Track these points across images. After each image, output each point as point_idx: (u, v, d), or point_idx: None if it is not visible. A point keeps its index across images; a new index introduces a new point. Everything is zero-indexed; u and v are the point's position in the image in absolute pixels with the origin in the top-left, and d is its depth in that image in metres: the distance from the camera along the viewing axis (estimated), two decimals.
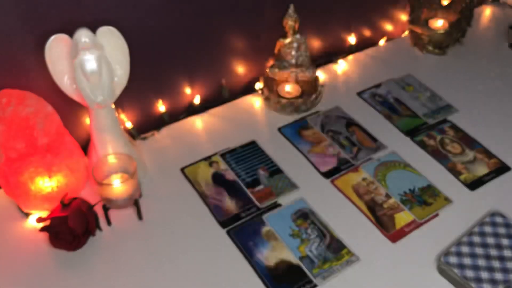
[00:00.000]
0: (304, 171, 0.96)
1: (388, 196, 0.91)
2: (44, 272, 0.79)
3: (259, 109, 1.10)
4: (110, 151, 0.87)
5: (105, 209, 0.84)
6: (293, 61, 1.12)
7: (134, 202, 0.85)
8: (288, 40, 1.09)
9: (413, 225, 0.86)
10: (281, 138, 1.03)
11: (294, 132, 1.04)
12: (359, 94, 1.14)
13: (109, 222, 0.86)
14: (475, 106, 1.10)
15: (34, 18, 0.81)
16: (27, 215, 0.87)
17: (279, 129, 1.05)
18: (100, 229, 0.85)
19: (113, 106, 0.85)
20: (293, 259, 0.81)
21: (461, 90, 1.15)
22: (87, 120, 0.97)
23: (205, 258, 0.81)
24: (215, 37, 1.03)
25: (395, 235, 0.85)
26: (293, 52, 1.11)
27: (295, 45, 1.10)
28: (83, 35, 0.77)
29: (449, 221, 0.87)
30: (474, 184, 0.93)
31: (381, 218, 0.87)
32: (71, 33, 0.78)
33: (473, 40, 1.31)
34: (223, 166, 0.97)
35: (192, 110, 1.09)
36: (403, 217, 0.87)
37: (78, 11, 0.84)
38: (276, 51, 1.12)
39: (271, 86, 1.12)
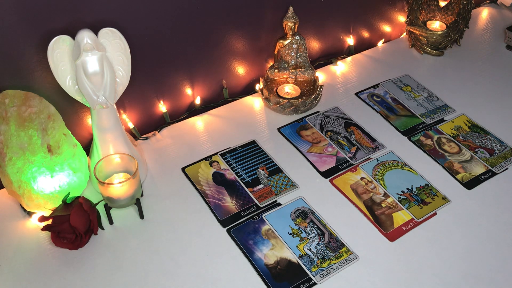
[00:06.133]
0: (303, 170, 0.97)
1: (386, 195, 0.92)
2: (46, 271, 0.80)
3: (259, 109, 1.11)
4: (112, 151, 0.88)
5: (107, 208, 0.85)
6: (293, 62, 1.13)
7: (136, 201, 0.86)
8: (287, 41, 1.10)
9: (411, 224, 0.87)
10: (281, 138, 1.04)
11: (294, 132, 1.05)
12: (357, 94, 1.15)
13: (111, 221, 0.87)
14: (472, 107, 1.11)
15: (36, 19, 0.82)
16: (29, 214, 0.88)
17: (279, 129, 1.06)
18: (102, 228, 0.86)
19: (115, 106, 0.86)
20: (293, 257, 0.82)
21: (458, 90, 1.16)
22: (89, 120, 0.98)
23: (206, 257, 0.82)
24: (216, 39, 1.04)
25: (393, 234, 0.86)
26: (293, 53, 1.12)
27: (294, 46, 1.11)
28: (85, 36, 0.77)
29: (447, 220, 0.88)
30: (471, 183, 0.94)
31: (379, 217, 0.88)
32: (73, 34, 0.79)
33: (471, 41, 1.32)
34: (223, 165, 0.97)
35: (192, 111, 1.10)
36: (401, 216, 0.88)
37: (80, 13, 0.85)
38: (275, 52, 1.13)
39: (271, 86, 1.13)
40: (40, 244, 0.84)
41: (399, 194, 0.92)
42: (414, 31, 1.26)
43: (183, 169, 0.97)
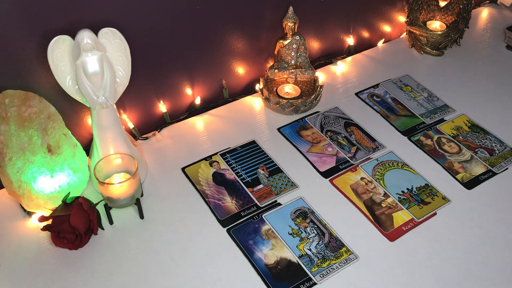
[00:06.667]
0: (303, 170, 0.97)
1: (386, 195, 0.92)
2: (46, 271, 0.80)
3: (259, 109, 1.11)
4: (112, 151, 0.88)
5: (107, 208, 0.85)
6: (293, 62, 1.13)
7: (136, 201, 0.86)
8: (287, 41, 1.10)
9: (411, 224, 0.87)
10: (281, 138, 1.04)
11: (294, 132, 1.05)
12: (357, 94, 1.15)
13: (111, 221, 0.87)
14: (472, 107, 1.11)
15: (36, 19, 0.82)
16: (29, 214, 0.88)
17: (279, 129, 1.06)
18: (102, 228, 0.86)
19: (115, 106, 0.86)
20: (293, 257, 0.82)
21: (458, 90, 1.16)
22: (89, 120, 0.98)
23: (206, 257, 0.82)
24: (216, 39, 1.04)
25: (393, 234, 0.86)
26: (293, 53, 1.12)
27: (294, 46, 1.11)
28: (85, 36, 0.77)
29: (447, 220, 0.88)
30: (471, 183, 0.94)
31: (379, 217, 0.88)
32: (73, 34, 0.79)
33: (471, 41, 1.32)
34: (223, 165, 0.97)
35: (192, 111, 1.10)
36: (401, 216, 0.88)
37: (80, 12, 0.85)
38: (275, 52, 1.13)
39: (271, 86, 1.13)
40: (40, 244, 0.84)
41: (399, 194, 0.92)
42: (414, 31, 1.26)
43: (183, 169, 0.97)
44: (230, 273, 0.80)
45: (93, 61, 0.79)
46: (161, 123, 1.07)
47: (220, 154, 1.00)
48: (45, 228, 0.81)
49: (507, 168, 0.97)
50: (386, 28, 1.31)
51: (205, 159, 0.99)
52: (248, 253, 0.82)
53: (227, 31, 1.05)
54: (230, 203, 0.90)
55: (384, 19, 1.29)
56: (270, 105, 1.09)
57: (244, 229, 0.86)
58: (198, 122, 1.08)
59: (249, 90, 1.16)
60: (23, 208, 0.88)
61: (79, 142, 0.91)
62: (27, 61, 0.85)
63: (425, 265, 0.81)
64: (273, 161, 0.99)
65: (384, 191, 0.93)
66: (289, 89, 1.13)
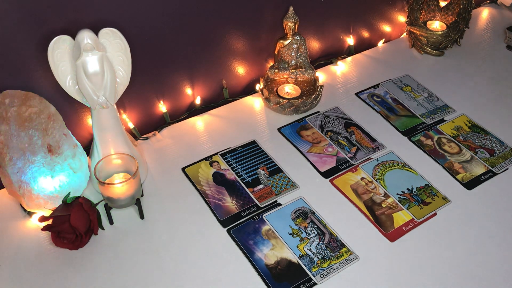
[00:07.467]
0: (304, 170, 0.97)
1: (386, 195, 0.92)
2: (46, 271, 0.80)
3: (259, 110, 1.11)
4: (112, 151, 0.88)
5: (107, 208, 0.85)
6: (293, 62, 1.13)
7: (136, 201, 0.86)
8: (287, 41, 1.10)
9: (412, 224, 0.87)
10: (281, 138, 1.04)
11: (294, 132, 1.05)
12: (358, 94, 1.15)
13: (111, 221, 0.87)
14: (472, 107, 1.11)
15: (37, 19, 0.82)
16: (29, 214, 0.88)
17: (279, 129, 1.06)
18: (102, 228, 0.86)
19: (115, 106, 0.86)
20: (293, 257, 0.82)
21: (458, 90, 1.16)
22: (89, 120, 0.98)
23: (206, 257, 0.82)
24: (216, 39, 1.04)
25: (394, 234, 0.86)
26: (293, 53, 1.12)
27: (294, 46, 1.11)
28: (85, 36, 0.77)
29: (447, 220, 0.88)
30: (471, 184, 0.94)
31: (379, 217, 0.88)
32: (73, 34, 0.79)
33: (471, 41, 1.32)
34: (223, 165, 0.97)
35: (193, 111, 1.10)
36: (401, 216, 0.88)
37: (80, 13, 0.85)
38: (276, 52, 1.13)
39: (271, 86, 1.13)
40: (40, 244, 0.84)
41: (399, 194, 0.92)
42: (414, 31, 1.26)
43: (183, 169, 0.97)
44: (230, 273, 0.80)
45: (94, 61, 0.79)
46: (161, 123, 1.07)
47: (220, 154, 1.00)
48: (45, 228, 0.81)
49: (507, 169, 0.97)
50: (386, 28, 1.31)
51: (205, 159, 0.99)
52: (248, 253, 0.82)
53: (227, 31, 1.05)
54: (230, 203, 0.90)
55: (384, 19, 1.29)
56: (270, 105, 1.09)
57: (244, 229, 0.86)
58: (198, 122, 1.08)
59: (249, 90, 1.16)
60: (23, 208, 0.88)
61: (79, 142, 0.91)
62: (27, 61, 0.85)
63: (425, 265, 0.81)
64: (273, 161, 0.99)
65: (384, 191, 0.93)
66: (289, 89, 1.13)
